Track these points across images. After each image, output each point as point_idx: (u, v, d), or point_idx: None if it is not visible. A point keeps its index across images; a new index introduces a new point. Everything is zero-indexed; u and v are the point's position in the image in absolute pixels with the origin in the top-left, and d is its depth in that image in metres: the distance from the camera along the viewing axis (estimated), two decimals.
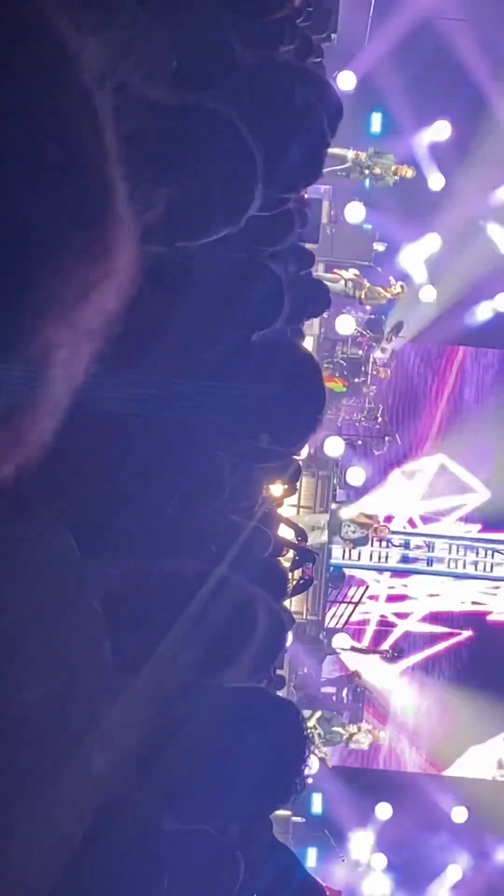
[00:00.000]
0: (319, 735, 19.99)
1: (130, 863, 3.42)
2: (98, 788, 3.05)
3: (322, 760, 20.04)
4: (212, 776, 3.62)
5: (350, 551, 21.57)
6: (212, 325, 3.86)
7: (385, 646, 22.19)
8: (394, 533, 22.33)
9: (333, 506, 19.96)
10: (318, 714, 20.33)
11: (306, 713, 20.02)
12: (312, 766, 18.82)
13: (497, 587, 23.07)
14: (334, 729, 20.44)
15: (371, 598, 22.45)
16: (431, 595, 23.09)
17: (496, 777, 23.31)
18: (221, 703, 3.72)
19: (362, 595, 21.53)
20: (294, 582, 13.19)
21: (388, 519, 22.44)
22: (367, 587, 22.13)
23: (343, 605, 20.81)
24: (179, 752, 3.54)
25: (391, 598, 23.03)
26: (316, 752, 19.65)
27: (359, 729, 20.92)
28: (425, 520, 23.08)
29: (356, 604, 21.07)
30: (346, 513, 20.26)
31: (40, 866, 2.70)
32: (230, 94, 4.02)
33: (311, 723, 19.88)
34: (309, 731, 19.44)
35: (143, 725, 3.38)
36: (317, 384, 4.35)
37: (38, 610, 2.64)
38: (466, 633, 23.20)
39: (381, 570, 22.78)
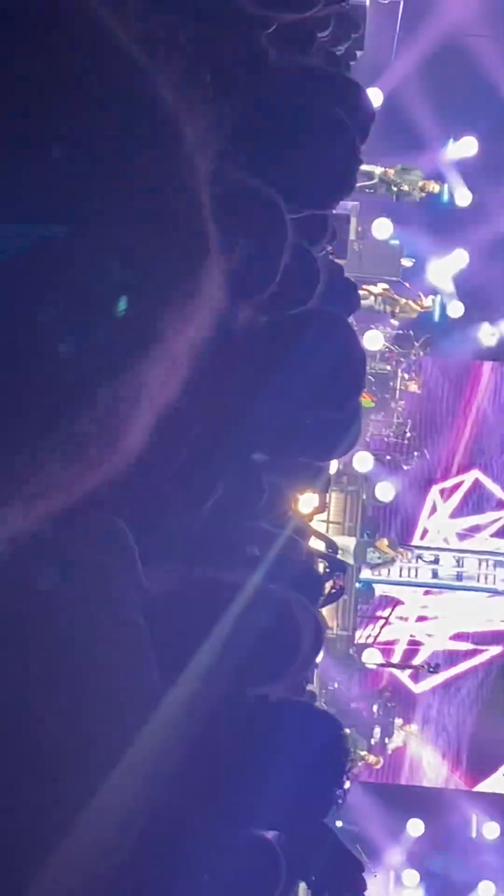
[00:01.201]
0: None
1: (172, 861, 3.45)
2: (145, 792, 3.09)
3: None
4: (254, 785, 3.65)
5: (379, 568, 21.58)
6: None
7: (417, 660, 22.12)
8: (424, 549, 22.27)
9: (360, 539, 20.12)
10: (348, 732, 20.31)
11: None
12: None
13: None
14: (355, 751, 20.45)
15: (400, 618, 22.36)
16: (460, 612, 22.99)
17: None
18: (267, 714, 3.74)
19: (392, 611, 21.47)
20: (325, 593, 13.18)
21: (423, 535, 22.39)
22: (398, 604, 22.07)
23: (373, 623, 20.77)
24: (223, 760, 3.57)
25: (421, 616, 22.94)
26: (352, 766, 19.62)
27: (375, 759, 20.97)
28: (460, 536, 23.01)
29: (386, 619, 21.02)
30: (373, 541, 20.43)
31: (96, 862, 2.77)
32: (259, 108, 4.05)
33: None
34: None
35: (188, 733, 3.41)
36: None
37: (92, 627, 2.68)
38: (496, 650, 23.10)
39: (412, 586, 22.70)
